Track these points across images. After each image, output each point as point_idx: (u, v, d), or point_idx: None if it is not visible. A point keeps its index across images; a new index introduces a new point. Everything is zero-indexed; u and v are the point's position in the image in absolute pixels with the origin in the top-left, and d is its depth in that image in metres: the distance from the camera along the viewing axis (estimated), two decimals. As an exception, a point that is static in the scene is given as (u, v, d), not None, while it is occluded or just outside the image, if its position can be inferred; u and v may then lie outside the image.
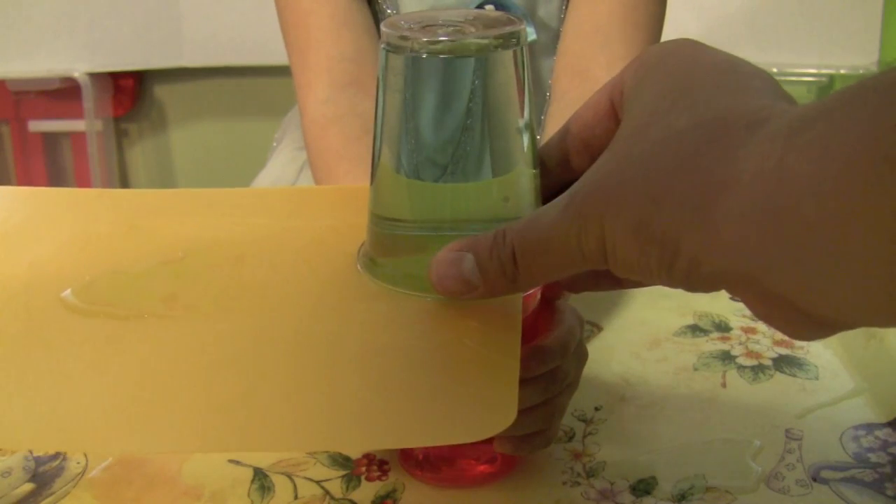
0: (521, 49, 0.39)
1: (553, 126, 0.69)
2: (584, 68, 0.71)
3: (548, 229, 0.34)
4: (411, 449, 0.47)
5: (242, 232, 0.44)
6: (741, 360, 0.57)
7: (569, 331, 0.44)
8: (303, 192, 0.57)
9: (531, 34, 0.74)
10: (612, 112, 0.37)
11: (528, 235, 0.34)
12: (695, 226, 0.29)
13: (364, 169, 0.63)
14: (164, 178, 1.85)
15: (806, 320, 0.29)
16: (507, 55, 0.38)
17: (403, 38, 0.38)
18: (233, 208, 0.46)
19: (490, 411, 0.35)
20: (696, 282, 0.30)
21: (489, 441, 0.44)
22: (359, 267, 0.42)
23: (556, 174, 0.41)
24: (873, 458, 0.48)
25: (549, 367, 0.43)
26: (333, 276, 0.42)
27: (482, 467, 0.47)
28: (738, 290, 0.30)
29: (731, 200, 0.28)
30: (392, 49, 0.38)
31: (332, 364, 0.37)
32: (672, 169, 0.30)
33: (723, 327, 0.61)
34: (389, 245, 0.41)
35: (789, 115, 0.28)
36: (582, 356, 0.47)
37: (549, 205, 0.34)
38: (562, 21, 0.78)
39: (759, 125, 0.29)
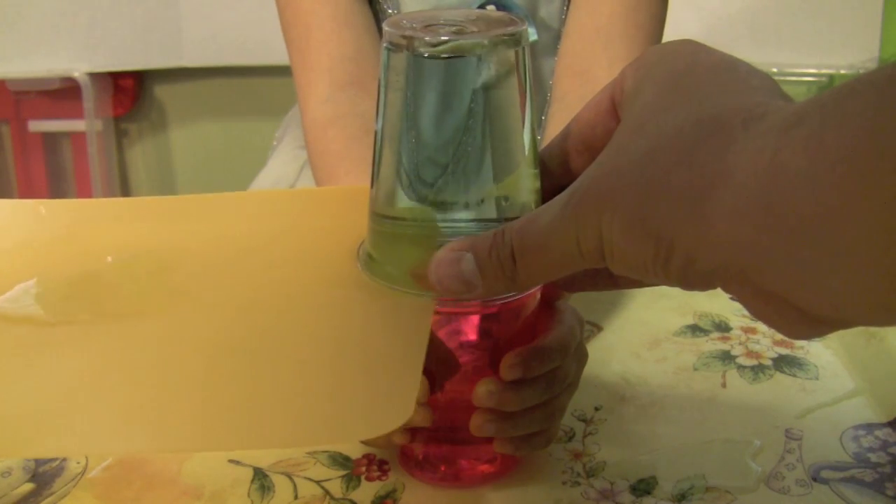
0: (523, 49, 0.39)
1: (554, 127, 0.69)
2: (586, 69, 0.72)
3: (546, 228, 0.34)
4: (411, 449, 0.47)
5: (238, 234, 0.45)
6: (741, 360, 0.57)
7: (569, 331, 0.44)
8: (299, 194, 0.57)
9: (532, 34, 0.74)
10: (612, 112, 0.37)
11: (526, 234, 0.34)
12: (689, 221, 0.29)
13: (365, 169, 0.63)
14: (164, 178, 1.85)
15: (802, 318, 0.29)
16: (509, 55, 0.38)
17: (405, 37, 0.38)
18: (228, 212, 0.46)
19: (386, 408, 0.35)
20: (692, 278, 0.30)
21: (489, 441, 0.44)
22: (358, 265, 0.42)
23: (557, 174, 0.41)
24: (873, 457, 0.48)
25: (550, 367, 0.43)
26: (328, 275, 0.42)
27: (482, 467, 0.47)
28: (734, 287, 0.30)
29: (725, 195, 0.28)
30: (394, 48, 0.38)
31: (281, 362, 0.38)
32: (668, 165, 0.30)
33: (723, 327, 0.61)
34: (389, 244, 0.41)
35: (785, 111, 0.28)
36: (582, 357, 0.47)
37: (548, 203, 0.34)
38: (563, 22, 0.78)
39: (754, 121, 0.29)
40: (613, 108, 0.37)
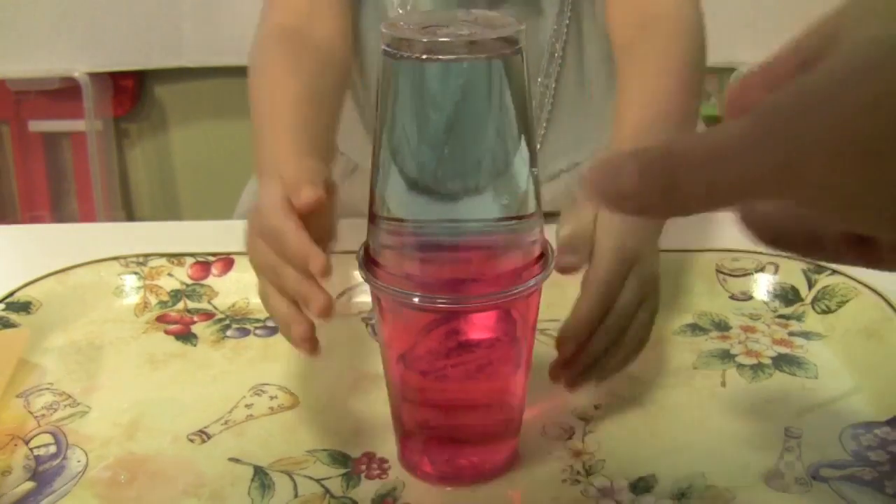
0: (520, 49, 0.39)
1: (626, 80, 0.67)
2: (643, 12, 0.71)
3: (723, 138, 0.28)
4: (411, 448, 0.47)
5: None
6: (741, 359, 0.58)
7: (597, 298, 0.48)
8: None
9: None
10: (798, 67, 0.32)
11: (697, 146, 0.29)
12: None
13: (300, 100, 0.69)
14: (164, 178, 1.85)
15: None
16: (506, 55, 0.38)
17: (403, 39, 0.38)
18: None
19: None
20: None
21: (489, 441, 0.44)
22: (359, 268, 0.42)
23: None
24: (872, 456, 0.48)
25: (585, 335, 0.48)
26: None
27: (482, 467, 0.47)
28: None
29: None
30: (392, 50, 0.38)
31: None
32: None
33: (722, 326, 0.61)
34: (389, 246, 0.41)
35: None
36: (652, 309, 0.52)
37: (728, 122, 0.29)
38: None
39: None
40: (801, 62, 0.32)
